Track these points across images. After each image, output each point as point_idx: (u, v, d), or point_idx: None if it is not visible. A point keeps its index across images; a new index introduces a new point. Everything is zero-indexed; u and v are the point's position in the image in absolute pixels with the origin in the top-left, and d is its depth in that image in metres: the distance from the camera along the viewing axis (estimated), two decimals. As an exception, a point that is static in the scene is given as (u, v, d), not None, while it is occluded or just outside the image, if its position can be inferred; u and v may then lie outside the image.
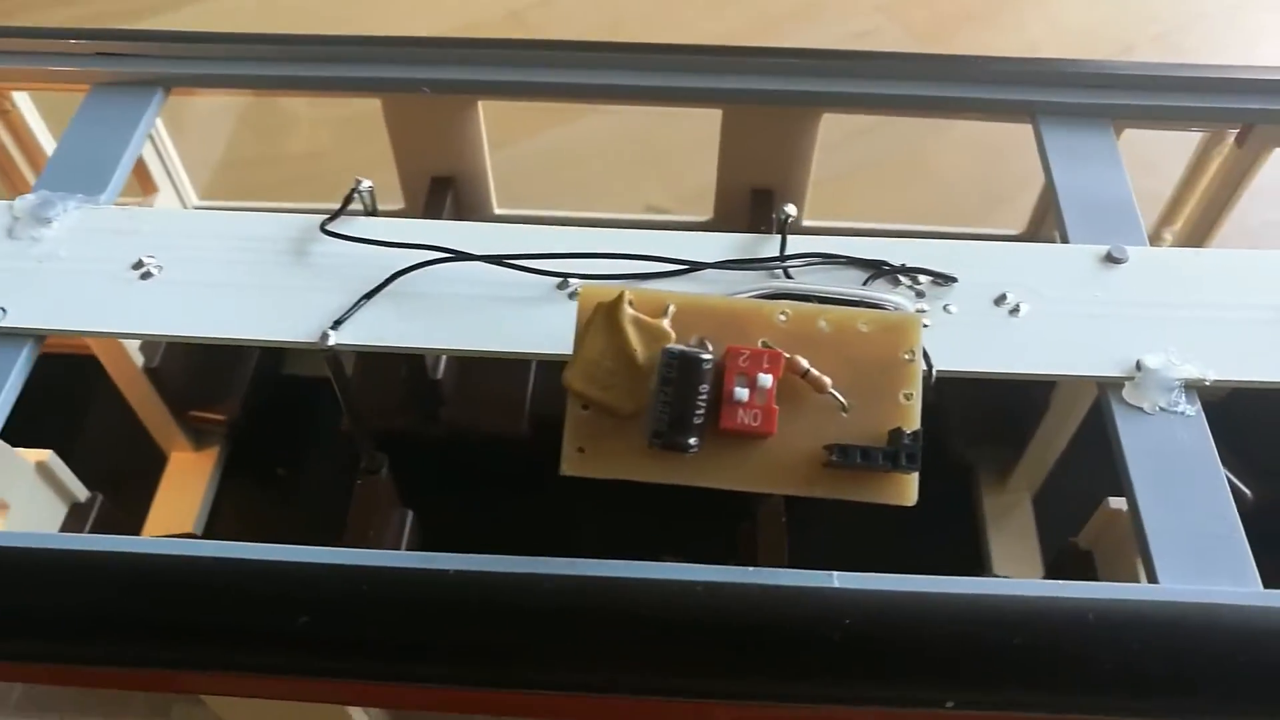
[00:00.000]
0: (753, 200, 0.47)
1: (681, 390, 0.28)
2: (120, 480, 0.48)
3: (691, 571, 0.27)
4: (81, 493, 0.42)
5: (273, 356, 0.52)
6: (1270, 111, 0.41)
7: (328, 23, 0.89)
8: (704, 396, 0.28)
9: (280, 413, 0.52)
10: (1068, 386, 0.44)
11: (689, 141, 0.48)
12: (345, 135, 0.74)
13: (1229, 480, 0.44)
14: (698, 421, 0.28)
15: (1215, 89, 0.41)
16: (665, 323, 0.29)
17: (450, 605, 0.27)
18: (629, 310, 0.29)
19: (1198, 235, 0.47)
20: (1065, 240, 0.38)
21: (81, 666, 0.28)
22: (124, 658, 0.27)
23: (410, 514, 0.41)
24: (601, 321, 0.29)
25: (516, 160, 0.79)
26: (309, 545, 0.27)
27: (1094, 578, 0.41)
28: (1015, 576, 0.45)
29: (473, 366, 0.48)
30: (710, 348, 0.28)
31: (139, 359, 0.46)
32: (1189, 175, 0.46)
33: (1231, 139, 0.43)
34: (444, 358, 0.47)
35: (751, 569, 0.28)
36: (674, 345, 0.28)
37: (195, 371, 0.48)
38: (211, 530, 0.49)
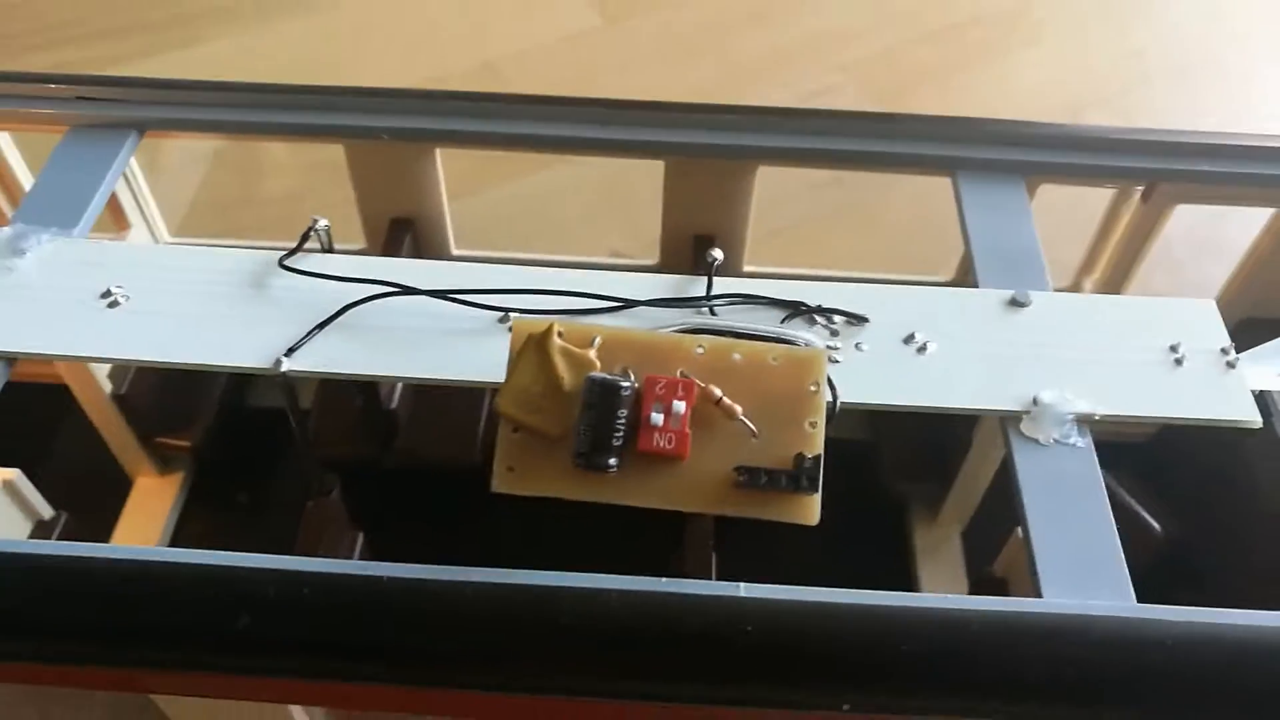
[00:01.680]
0: (695, 245, 0.50)
1: (602, 415, 0.30)
2: (86, 503, 0.49)
3: (606, 581, 0.30)
4: (46, 511, 0.44)
5: (237, 387, 0.54)
6: (1171, 170, 0.44)
7: (306, 71, 0.92)
8: (622, 421, 0.30)
9: (243, 441, 0.54)
10: (987, 425, 0.47)
11: (651, 190, 0.51)
12: (318, 178, 0.76)
13: (1140, 515, 0.47)
14: (617, 444, 0.30)
15: (1121, 149, 0.44)
16: (592, 353, 0.31)
17: (382, 608, 0.29)
18: (557, 341, 0.31)
19: (1114, 283, 0.50)
20: (976, 285, 0.40)
21: (38, 665, 0.30)
22: (77, 656, 0.29)
23: (360, 535, 0.43)
24: (532, 351, 0.32)
25: (485, 206, 0.82)
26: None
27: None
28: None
29: (427, 397, 0.50)
30: (633, 377, 0.31)
31: (107, 386, 0.48)
32: (1102, 228, 0.50)
33: (1138, 195, 0.46)
34: (399, 388, 0.49)
35: (664, 579, 0.30)
36: (596, 374, 0.30)
37: (161, 399, 0.50)
38: (172, 553, 0.50)
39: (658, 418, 0.30)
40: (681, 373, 0.31)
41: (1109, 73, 0.98)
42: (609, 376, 0.30)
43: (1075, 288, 0.53)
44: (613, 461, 0.30)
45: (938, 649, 0.29)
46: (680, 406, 0.30)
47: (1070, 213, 0.53)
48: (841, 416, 0.35)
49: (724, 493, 0.30)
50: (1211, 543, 0.51)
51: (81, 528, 0.46)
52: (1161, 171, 0.44)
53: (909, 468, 0.52)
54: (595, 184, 0.83)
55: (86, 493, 0.50)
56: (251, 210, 0.77)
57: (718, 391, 0.31)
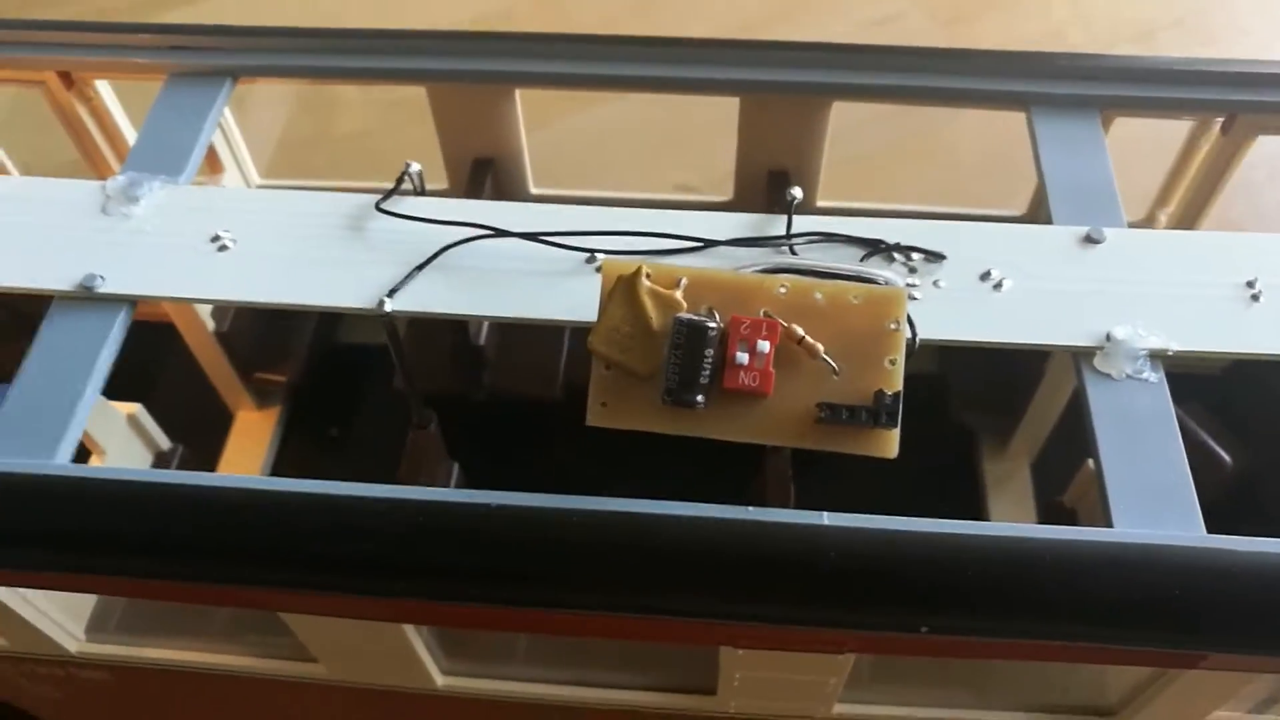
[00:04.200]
0: (770, 182, 0.51)
1: (690, 354, 0.32)
2: (192, 436, 0.53)
3: (701, 509, 0.32)
4: (165, 442, 0.47)
5: (329, 325, 0.57)
6: (1252, 102, 0.44)
7: (374, 5, 0.93)
8: (709, 360, 0.32)
9: (336, 377, 0.56)
10: (1059, 359, 0.48)
11: (717, 124, 0.51)
12: (392, 117, 0.78)
13: (1211, 447, 0.48)
14: (704, 381, 0.32)
15: (1199, 81, 0.44)
16: (678, 294, 0.33)
17: (490, 535, 0.31)
18: (646, 282, 0.33)
19: (1190, 216, 0.50)
20: (1050, 222, 0.41)
21: (170, 582, 0.33)
22: (206, 575, 0.32)
23: (456, 466, 0.45)
24: (622, 292, 0.33)
25: (554, 141, 0.83)
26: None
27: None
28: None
29: (512, 334, 0.52)
30: (718, 317, 0.32)
31: (210, 324, 0.51)
32: (1179, 161, 0.49)
33: (1218, 127, 0.46)
34: (485, 326, 0.51)
35: (752, 509, 0.32)
36: (684, 314, 0.32)
37: (260, 337, 0.53)
38: (273, 481, 0.54)
39: (743, 357, 0.32)
40: (765, 312, 0.32)
41: (1186, -12, 0.95)
42: (695, 317, 0.32)
43: (1150, 219, 0.53)
44: (700, 398, 0.32)
45: (1011, 575, 0.31)
46: (765, 346, 0.32)
47: (1148, 141, 0.52)
48: (935, 344, 0.36)
49: (806, 428, 0.32)
50: (1277, 474, 0.51)
51: (194, 459, 0.49)
52: (1241, 103, 0.44)
53: (977, 400, 0.53)
54: (655, 117, 0.83)
55: (193, 426, 0.53)
56: (331, 148, 0.79)
57: (800, 330, 0.32)
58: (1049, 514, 0.46)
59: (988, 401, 0.53)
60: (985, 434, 0.54)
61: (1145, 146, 0.54)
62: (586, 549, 0.31)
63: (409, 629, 0.37)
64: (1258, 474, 0.51)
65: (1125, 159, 0.53)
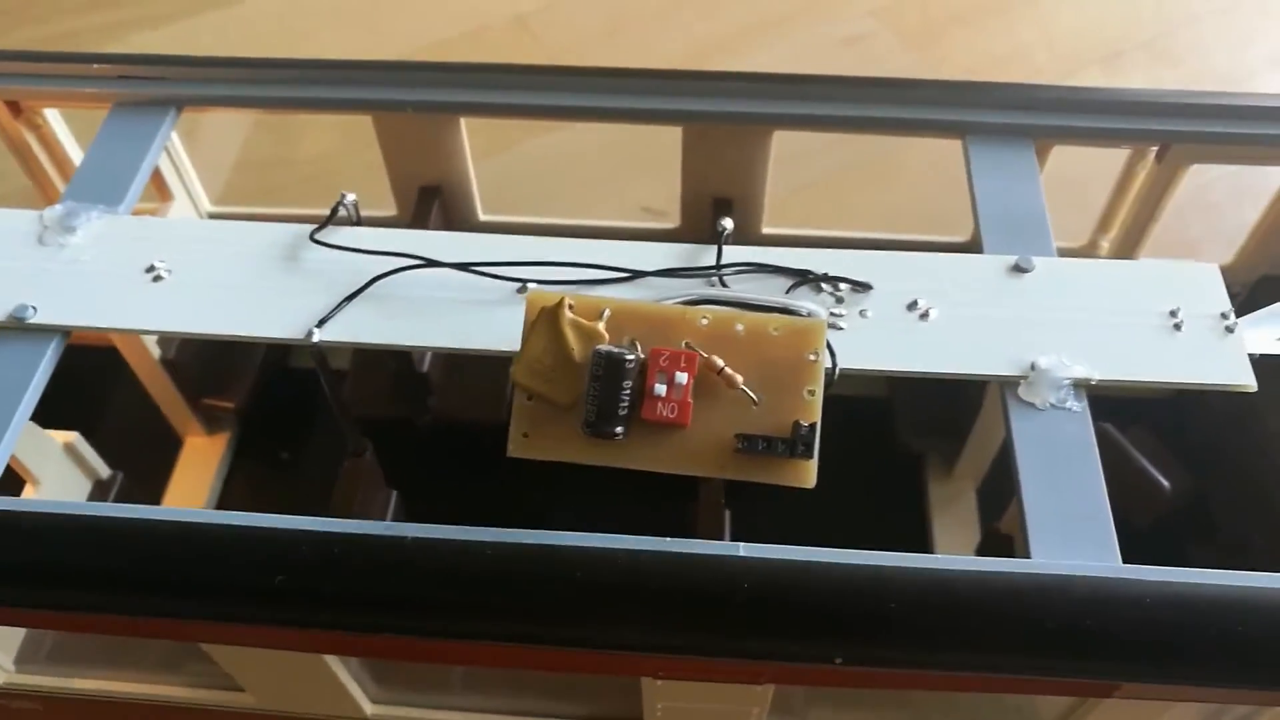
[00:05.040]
0: (715, 209, 0.51)
1: (608, 385, 0.32)
2: (141, 462, 0.53)
3: (614, 540, 0.32)
4: (104, 470, 0.47)
5: (279, 351, 0.57)
6: (1185, 132, 0.45)
7: (347, 23, 0.94)
8: (628, 391, 0.32)
9: (286, 401, 0.57)
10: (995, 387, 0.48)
11: (678, 148, 0.52)
12: (354, 139, 0.78)
13: (1149, 472, 0.48)
14: (623, 412, 0.32)
15: (1132, 111, 0.45)
16: (601, 325, 0.33)
17: (407, 567, 0.31)
18: (568, 314, 0.33)
19: (1130, 243, 0.51)
20: (982, 250, 0.41)
21: (98, 615, 0.33)
22: (132, 608, 0.32)
23: (394, 494, 0.45)
24: (544, 323, 0.33)
25: (520, 163, 0.84)
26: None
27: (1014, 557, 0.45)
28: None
29: (458, 361, 0.52)
30: (639, 348, 0.33)
31: (156, 351, 0.51)
32: (1117, 188, 0.50)
33: (1152, 156, 0.47)
34: (429, 354, 0.51)
35: (670, 540, 0.32)
36: (603, 346, 0.32)
37: (208, 363, 0.53)
38: (222, 507, 0.54)
39: (661, 388, 0.32)
40: (686, 344, 0.33)
41: (1153, 14, 0.96)
42: (615, 349, 0.32)
43: (1092, 246, 0.53)
44: (619, 429, 0.32)
45: (926, 606, 0.31)
46: (683, 377, 0.32)
47: (1097, 167, 0.53)
48: (859, 376, 0.37)
49: (725, 458, 0.32)
50: (1228, 498, 0.52)
51: (136, 486, 0.49)
52: (1174, 133, 0.45)
53: (923, 424, 0.54)
54: (621, 140, 0.84)
55: (140, 452, 0.53)
56: (290, 170, 0.79)
57: (720, 361, 0.32)
58: (987, 540, 0.46)
59: (934, 425, 0.54)
60: (932, 457, 0.54)
61: (1095, 172, 0.54)
62: (502, 581, 0.31)
63: (331, 660, 0.37)
64: (1205, 497, 0.52)
65: (1075, 184, 0.54)
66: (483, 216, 0.54)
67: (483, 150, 0.52)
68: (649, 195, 0.82)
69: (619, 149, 0.84)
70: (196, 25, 0.94)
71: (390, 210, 0.54)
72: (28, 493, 0.44)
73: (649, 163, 0.84)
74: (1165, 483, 0.49)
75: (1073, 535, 0.33)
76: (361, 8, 0.96)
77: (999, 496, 0.54)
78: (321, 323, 0.38)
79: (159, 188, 0.53)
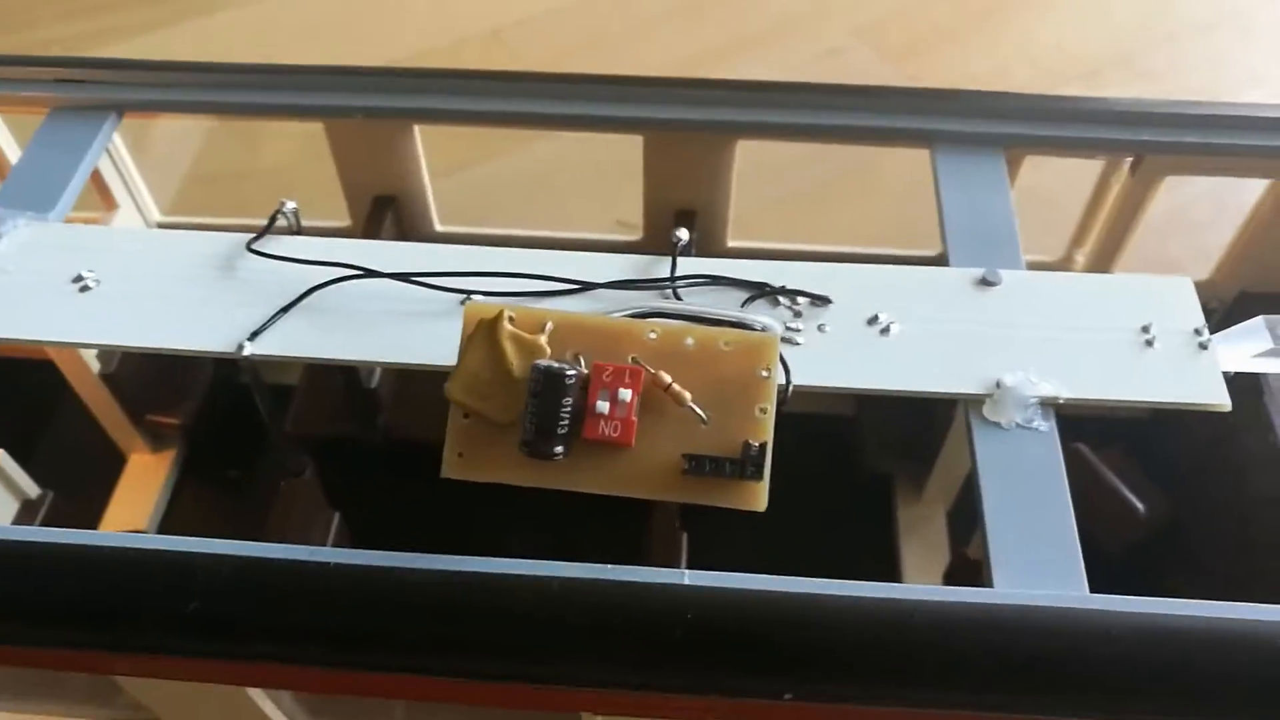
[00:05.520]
0: (677, 221, 0.49)
1: (547, 402, 0.30)
2: (82, 480, 0.51)
3: (551, 568, 0.30)
4: (33, 490, 0.45)
5: (228, 365, 0.55)
6: (1159, 143, 0.43)
7: (320, 36, 0.92)
8: (568, 409, 0.30)
9: (234, 418, 0.55)
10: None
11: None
12: (309, 150, 0.77)
13: (1123, 494, 0.47)
14: (562, 431, 0.30)
15: (1104, 120, 0.43)
16: (543, 339, 0.31)
17: (329, 594, 0.29)
18: (507, 326, 0.31)
19: (1105, 258, 0.49)
20: (948, 263, 0.40)
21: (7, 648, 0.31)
22: (35, 640, 0.30)
23: (337, 515, 0.44)
24: (482, 336, 0.32)
25: (496, 175, 0.82)
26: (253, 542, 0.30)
27: (980, 584, 0.43)
28: (925, 584, 0.47)
29: (407, 378, 0.50)
30: (583, 363, 0.31)
31: (96, 365, 0.49)
32: (1091, 201, 0.49)
33: (1126, 167, 0.45)
34: (378, 370, 0.49)
35: (611, 567, 0.30)
36: (541, 361, 0.30)
37: (152, 378, 0.51)
38: (166, 527, 0.52)
39: (603, 405, 0.30)
40: (633, 359, 0.31)
41: (1133, 31, 0.95)
42: (554, 364, 0.30)
43: (1067, 260, 0.52)
44: (559, 449, 0.30)
45: (879, 638, 0.29)
46: (626, 394, 0.30)
47: (1079, 174, 0.51)
48: (825, 393, 0.35)
49: (672, 480, 0.30)
50: (1203, 521, 0.50)
51: (74, 505, 0.47)
52: (1148, 143, 0.43)
53: (891, 443, 0.52)
54: (598, 153, 0.82)
55: (82, 469, 0.51)
56: (248, 181, 0.77)
57: (667, 378, 0.31)
58: (954, 566, 0.44)
59: (903, 446, 0.52)
60: (901, 478, 0.52)
61: (1072, 187, 0.53)
62: (430, 611, 0.29)
63: (257, 694, 0.35)
64: (1180, 520, 0.50)
65: (1052, 201, 0.52)
66: (439, 228, 0.52)
67: (458, 162, 0.51)
68: (627, 210, 0.81)
69: (596, 162, 0.83)
70: (172, 35, 0.93)
71: (345, 221, 0.52)
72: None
73: (626, 176, 0.83)
74: (1140, 505, 0.47)
75: (1037, 563, 0.32)
76: (338, 21, 0.95)
77: (970, 520, 0.52)
78: (253, 335, 0.36)
79: (104, 196, 0.51)
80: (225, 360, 0.54)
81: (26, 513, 0.44)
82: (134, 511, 0.51)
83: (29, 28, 0.96)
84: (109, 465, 0.53)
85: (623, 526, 0.43)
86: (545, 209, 0.82)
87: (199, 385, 0.53)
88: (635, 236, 0.53)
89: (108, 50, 0.90)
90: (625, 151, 0.49)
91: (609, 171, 0.82)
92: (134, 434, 0.52)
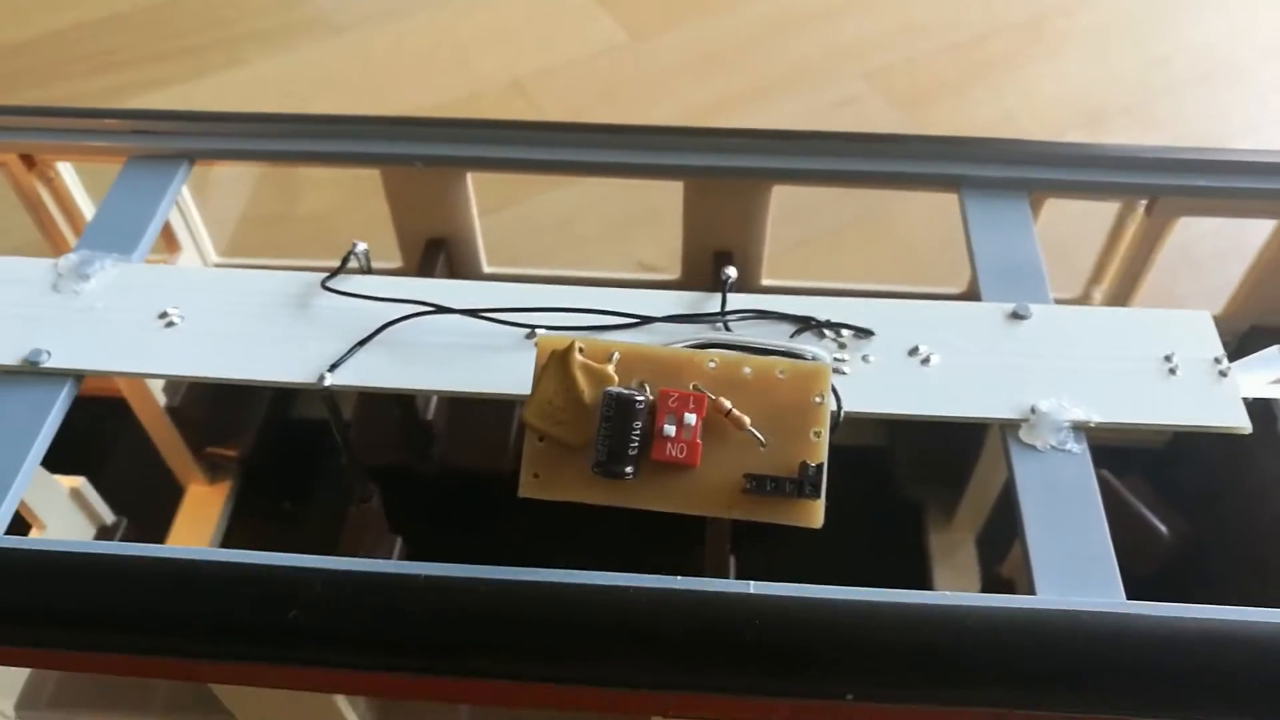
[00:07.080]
0: (715, 261, 0.52)
1: (618, 426, 0.32)
2: (142, 510, 0.53)
3: (627, 579, 0.32)
4: (109, 516, 0.47)
5: (283, 400, 0.57)
6: (1172, 186, 0.46)
7: (343, 89, 0.96)
8: (638, 432, 0.32)
9: (289, 452, 0.57)
10: (996, 432, 0.49)
11: (675, 205, 0.53)
12: (354, 195, 0.80)
13: (1147, 519, 0.49)
14: (633, 453, 0.32)
15: (1122, 166, 0.46)
16: (610, 368, 0.34)
17: (420, 605, 0.31)
18: (578, 357, 0.34)
19: (1123, 293, 0.52)
20: (979, 298, 0.42)
21: (100, 654, 0.33)
22: (137, 647, 0.32)
23: (399, 540, 0.46)
24: (555, 366, 0.34)
25: (524, 218, 0.85)
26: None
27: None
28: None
29: (462, 408, 0.53)
30: (648, 390, 0.33)
31: (162, 399, 0.51)
32: (1109, 241, 0.51)
33: (1142, 209, 0.48)
34: (434, 401, 0.52)
35: (680, 578, 0.33)
36: (613, 388, 0.33)
37: (212, 412, 0.53)
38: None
39: (670, 429, 0.32)
40: (694, 386, 0.33)
41: (1133, 83, 0.99)
42: (625, 391, 0.32)
43: (1085, 297, 0.54)
44: (629, 470, 0.32)
45: (933, 642, 0.31)
46: (691, 418, 0.32)
47: (1085, 221, 0.54)
48: (858, 423, 0.37)
49: (733, 498, 0.33)
50: (1224, 545, 0.52)
51: (138, 533, 0.49)
52: (1162, 187, 0.46)
53: (923, 472, 0.54)
54: (622, 198, 0.85)
55: (142, 501, 0.53)
56: (292, 226, 0.80)
57: (727, 403, 0.33)
58: (988, 585, 0.46)
59: (935, 474, 0.54)
60: (932, 506, 0.55)
61: (1085, 224, 0.56)
62: (513, 619, 0.31)
63: (340, 699, 0.37)
64: (1201, 544, 0.52)
65: (1066, 236, 0.55)
66: (487, 269, 0.55)
67: (481, 208, 0.53)
68: (644, 252, 0.84)
69: (614, 207, 0.86)
70: (195, 89, 0.96)
71: (396, 262, 0.55)
72: (34, 535, 0.44)
73: (643, 220, 0.86)
74: (1164, 529, 0.49)
75: (1077, 573, 0.34)
76: (359, 73, 0.98)
77: (997, 545, 0.54)
78: (333, 367, 0.39)
79: (167, 239, 0.54)
80: (280, 396, 0.57)
81: (103, 538, 0.46)
82: (193, 540, 0.53)
83: (61, 81, 0.99)
84: (167, 495, 0.55)
85: (671, 554, 0.45)
86: (566, 252, 0.85)
87: (255, 420, 0.55)
88: (663, 275, 0.55)
89: (131, 103, 0.94)
90: (640, 198, 0.52)
91: (625, 217, 0.85)
92: (193, 466, 0.54)
